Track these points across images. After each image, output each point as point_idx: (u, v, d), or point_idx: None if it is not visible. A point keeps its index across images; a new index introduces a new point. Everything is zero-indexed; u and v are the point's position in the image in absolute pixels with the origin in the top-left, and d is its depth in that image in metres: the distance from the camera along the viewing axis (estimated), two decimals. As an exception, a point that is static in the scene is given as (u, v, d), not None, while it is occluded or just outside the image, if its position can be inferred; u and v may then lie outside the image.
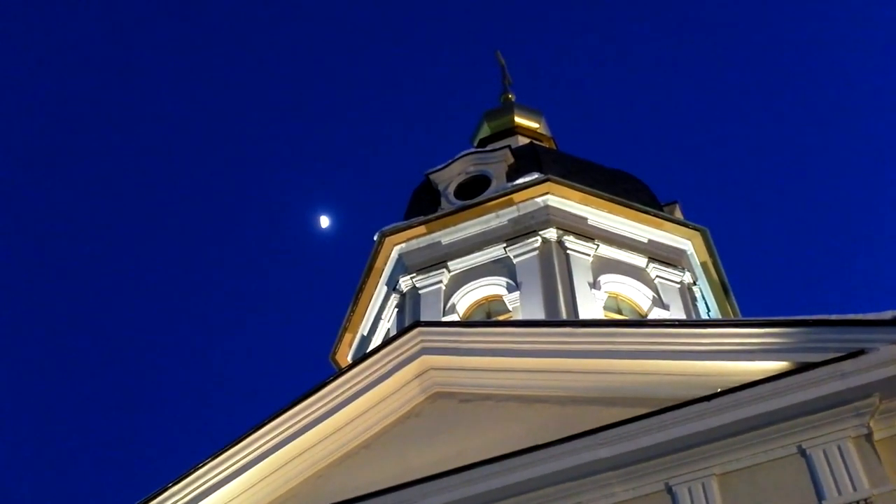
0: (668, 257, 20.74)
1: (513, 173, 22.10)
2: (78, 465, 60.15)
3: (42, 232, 62.84)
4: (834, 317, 12.95)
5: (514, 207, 20.70)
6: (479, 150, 24.38)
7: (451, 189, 22.31)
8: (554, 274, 19.25)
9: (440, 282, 20.10)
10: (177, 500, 14.74)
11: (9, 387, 61.14)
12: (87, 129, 65.79)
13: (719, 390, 12.87)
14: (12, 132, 60.47)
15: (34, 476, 57.85)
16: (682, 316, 19.37)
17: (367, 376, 15.24)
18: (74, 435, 62.01)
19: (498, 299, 19.74)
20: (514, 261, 19.86)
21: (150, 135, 67.15)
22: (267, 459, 14.87)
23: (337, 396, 15.17)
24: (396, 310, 20.55)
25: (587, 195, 20.85)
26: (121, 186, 66.69)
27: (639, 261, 20.37)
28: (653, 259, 20.42)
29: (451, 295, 19.84)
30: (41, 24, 61.97)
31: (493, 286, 19.88)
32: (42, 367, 62.02)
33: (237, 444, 14.94)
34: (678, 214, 23.13)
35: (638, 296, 19.90)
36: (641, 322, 17.66)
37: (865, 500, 11.61)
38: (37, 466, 58.53)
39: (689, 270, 20.89)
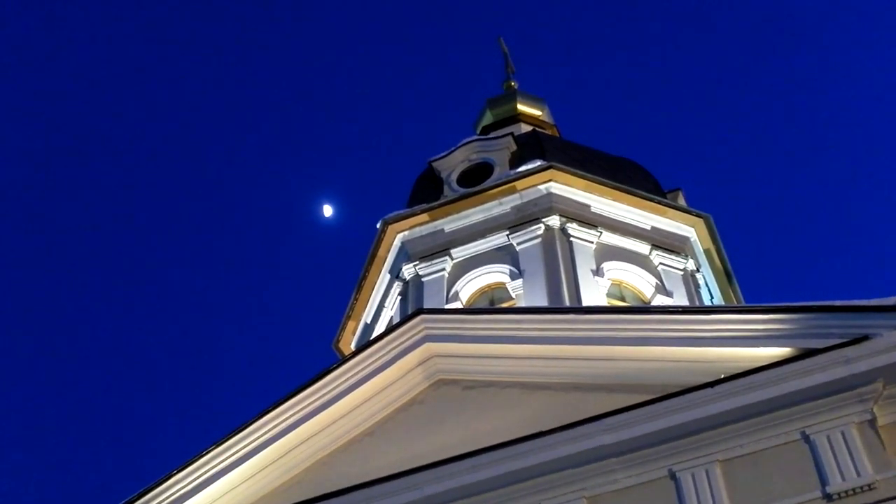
0: (672, 244, 20.75)
1: (516, 161, 22.08)
2: (82, 454, 60.30)
3: (42, 215, 62.82)
4: (837, 303, 12.96)
5: (517, 195, 20.69)
6: (481, 137, 24.36)
7: (454, 176, 22.29)
8: (557, 261, 19.26)
9: (443, 269, 20.11)
10: (182, 488, 14.77)
11: (9, 380, 61.26)
12: (89, 119, 65.76)
13: (723, 376, 12.88)
14: (11, 130, 60.44)
15: (42, 463, 58.05)
16: (685, 303, 19.36)
17: (370, 364, 15.27)
18: (80, 422, 62.16)
19: (501, 287, 19.75)
20: (517, 248, 19.87)
21: (154, 124, 67.13)
22: (271, 447, 14.90)
23: (341, 384, 15.20)
24: (399, 297, 20.56)
25: (590, 182, 20.84)
26: (124, 176, 66.75)
27: (642, 248, 20.37)
28: (656, 246, 20.42)
29: (455, 282, 19.85)
30: (41, 22, 61.91)
31: (496, 273, 19.89)
32: (49, 349, 62.09)
33: (241, 431, 14.98)
34: (681, 201, 23.11)
35: (641, 283, 19.90)
36: (644, 309, 17.66)
37: (869, 485, 11.63)
38: (44, 452, 58.70)
39: (692, 257, 20.89)
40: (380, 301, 21.52)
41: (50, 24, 62.11)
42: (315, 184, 68.32)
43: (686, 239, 21.11)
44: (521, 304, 18.78)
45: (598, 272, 19.42)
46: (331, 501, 13.77)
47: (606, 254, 20.00)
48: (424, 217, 21.18)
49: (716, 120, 68.62)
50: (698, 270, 20.98)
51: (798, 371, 12.49)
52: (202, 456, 14.88)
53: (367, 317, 21.83)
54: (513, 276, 19.46)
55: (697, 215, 21.38)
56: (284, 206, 70.59)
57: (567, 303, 18.26)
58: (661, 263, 20.17)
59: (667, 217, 21.08)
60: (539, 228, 19.97)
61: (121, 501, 14.86)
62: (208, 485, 14.77)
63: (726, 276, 21.74)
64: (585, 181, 20.82)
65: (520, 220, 20.34)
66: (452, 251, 20.39)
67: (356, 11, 70.77)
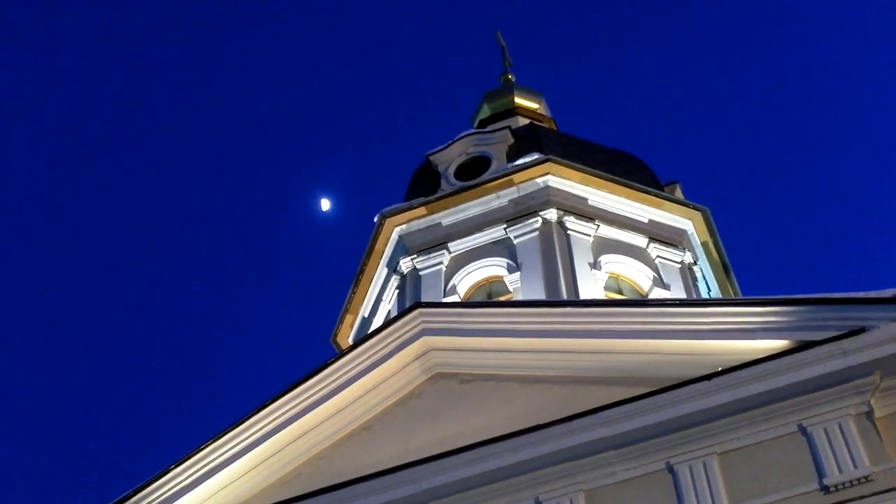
0: (669, 237, 20.74)
1: (513, 154, 22.08)
2: (80, 450, 60.32)
3: (40, 209, 62.76)
4: (834, 295, 12.98)
5: (515, 188, 20.68)
6: (479, 130, 24.36)
7: (452, 170, 22.29)
8: (554, 254, 19.26)
9: (441, 263, 20.11)
10: (179, 482, 14.78)
11: (8, 375, 61.28)
12: (88, 115, 65.72)
13: (720, 369, 12.90)
14: (10, 129, 60.38)
15: (40, 458, 58.09)
16: (682, 295, 19.37)
17: (368, 357, 15.28)
18: (77, 418, 62.20)
19: (498, 280, 19.75)
20: (515, 241, 19.86)
21: (151, 119, 67.08)
22: (269, 441, 14.92)
23: (338, 378, 15.21)
24: (397, 291, 20.57)
25: (587, 175, 20.83)
26: (120, 171, 66.69)
27: (639, 241, 20.36)
28: (653, 239, 20.42)
29: (452, 276, 19.85)
30: (41, 21, 61.82)
31: (493, 267, 19.89)
32: (46, 344, 62.05)
33: (239, 426, 14.99)
34: (679, 194, 23.11)
35: (638, 276, 19.90)
36: (642, 302, 17.65)
37: (866, 477, 11.65)
38: (42, 448, 58.74)
39: (689, 250, 20.89)
40: (377, 295, 21.52)
41: (49, 22, 62.08)
42: (312, 178, 68.19)
43: (683, 232, 21.11)
44: (519, 297, 18.77)
45: (595, 265, 19.42)
46: (329, 496, 13.79)
47: (604, 247, 20.00)
48: (422, 210, 21.18)
49: (713, 113, 68.64)
50: (696, 263, 20.98)
51: (795, 363, 12.50)
52: (200, 450, 14.88)
53: (364, 311, 21.83)
54: (510, 270, 19.46)
55: (695, 208, 21.36)
56: (282, 200, 70.49)
57: (564, 296, 18.26)
58: (658, 256, 20.17)
59: (664, 210, 21.07)
60: (536, 222, 19.96)
61: (119, 497, 14.88)
62: (206, 479, 14.78)
63: (724, 269, 21.74)
64: (583, 174, 20.81)
65: (517, 214, 20.33)
66: (450, 245, 20.39)
67: (353, 5, 70.76)
